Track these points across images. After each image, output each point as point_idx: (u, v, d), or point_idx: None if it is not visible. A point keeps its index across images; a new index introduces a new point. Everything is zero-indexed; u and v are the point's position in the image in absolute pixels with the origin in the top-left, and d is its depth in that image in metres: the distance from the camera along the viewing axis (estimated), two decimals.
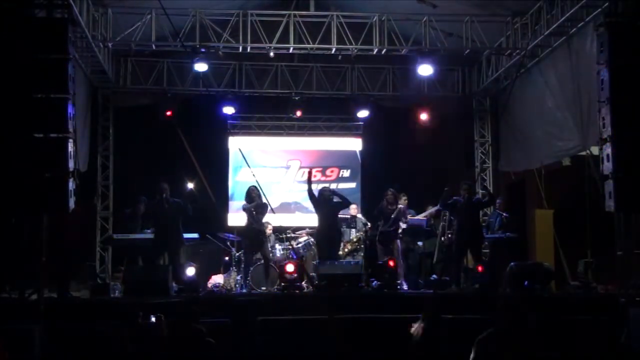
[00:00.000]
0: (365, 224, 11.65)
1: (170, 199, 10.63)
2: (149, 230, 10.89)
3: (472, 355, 4.89)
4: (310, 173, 11.90)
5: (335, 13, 11.53)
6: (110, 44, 11.45)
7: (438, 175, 13.32)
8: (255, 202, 10.82)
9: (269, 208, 10.98)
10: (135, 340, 6.70)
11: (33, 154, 7.41)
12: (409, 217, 11.53)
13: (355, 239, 11.76)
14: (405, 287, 10.68)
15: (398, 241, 11.12)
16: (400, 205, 11.05)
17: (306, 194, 14.13)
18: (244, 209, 10.96)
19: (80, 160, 9.69)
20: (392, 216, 10.94)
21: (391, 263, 10.26)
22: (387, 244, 10.97)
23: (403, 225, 11.22)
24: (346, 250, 11.69)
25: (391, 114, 14.00)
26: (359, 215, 12.19)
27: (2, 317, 7.12)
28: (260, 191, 10.91)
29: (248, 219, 10.86)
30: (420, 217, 11.84)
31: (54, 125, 7.51)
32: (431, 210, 11.88)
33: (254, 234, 10.82)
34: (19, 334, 6.94)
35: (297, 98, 13.46)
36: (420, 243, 11.86)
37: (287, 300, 9.51)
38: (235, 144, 14.10)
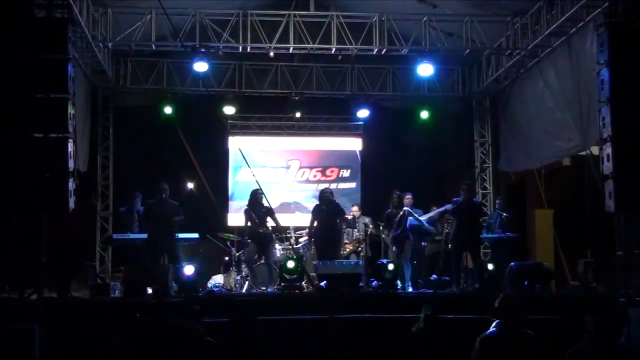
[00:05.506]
0: (366, 225, 11.61)
1: (169, 200, 10.63)
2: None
3: (473, 355, 4.90)
4: None
5: (335, 13, 11.53)
6: (110, 44, 11.45)
7: (438, 176, 13.32)
8: (265, 207, 10.71)
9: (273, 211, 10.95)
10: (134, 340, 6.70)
11: (33, 154, 7.40)
12: (416, 216, 11.42)
13: (356, 240, 11.75)
14: (410, 289, 10.62)
15: (408, 242, 11.00)
16: (405, 208, 11.01)
17: (306, 193, 14.30)
18: (247, 214, 10.78)
19: (80, 160, 9.69)
20: (397, 219, 10.88)
21: (391, 266, 10.23)
22: (401, 246, 10.90)
23: (412, 221, 11.08)
24: (347, 250, 11.68)
25: (391, 114, 14.01)
26: (362, 216, 12.16)
27: (2, 317, 7.11)
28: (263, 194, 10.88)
29: (251, 222, 10.70)
30: (426, 217, 11.71)
31: (54, 125, 7.50)
32: (435, 211, 11.74)
33: (261, 238, 10.73)
34: (19, 334, 6.93)
35: (297, 98, 13.46)
36: (424, 243, 11.83)
37: (287, 300, 9.51)
38: (235, 144, 14.09)
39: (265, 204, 10.69)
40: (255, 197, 10.72)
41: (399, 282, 10.51)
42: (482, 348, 4.86)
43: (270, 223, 10.78)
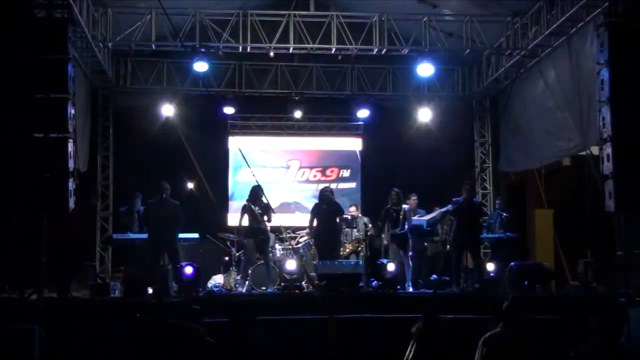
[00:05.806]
0: (366, 225, 11.61)
1: (169, 200, 10.62)
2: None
3: (477, 355, 4.90)
4: None
5: (335, 13, 11.54)
6: (110, 44, 11.45)
7: (438, 176, 13.30)
8: (264, 203, 10.70)
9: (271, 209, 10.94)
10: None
11: (33, 154, 7.40)
12: (418, 217, 11.40)
13: (356, 240, 11.74)
14: (411, 289, 10.61)
15: (409, 242, 10.96)
16: (404, 206, 11.00)
17: (306, 193, 14.30)
18: (246, 208, 10.76)
19: (80, 160, 9.69)
20: (400, 217, 10.87)
21: (391, 266, 10.21)
22: (402, 245, 10.87)
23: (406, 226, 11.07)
24: (347, 250, 11.68)
25: (391, 114, 14.01)
26: (360, 216, 12.17)
27: (2, 317, 7.11)
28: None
29: (250, 216, 10.71)
30: (428, 217, 11.68)
31: (54, 125, 7.51)
32: (438, 212, 11.71)
33: (259, 234, 10.72)
34: (19, 334, 6.94)
35: (297, 98, 13.46)
36: (426, 244, 11.81)
37: (287, 300, 9.51)
38: (235, 144, 14.09)
39: (265, 201, 10.68)
40: (257, 192, 10.70)
41: None
42: (484, 348, 4.86)
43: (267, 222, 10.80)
